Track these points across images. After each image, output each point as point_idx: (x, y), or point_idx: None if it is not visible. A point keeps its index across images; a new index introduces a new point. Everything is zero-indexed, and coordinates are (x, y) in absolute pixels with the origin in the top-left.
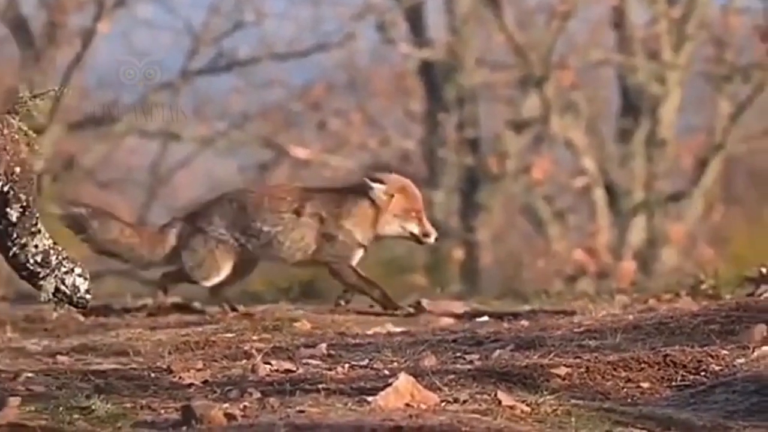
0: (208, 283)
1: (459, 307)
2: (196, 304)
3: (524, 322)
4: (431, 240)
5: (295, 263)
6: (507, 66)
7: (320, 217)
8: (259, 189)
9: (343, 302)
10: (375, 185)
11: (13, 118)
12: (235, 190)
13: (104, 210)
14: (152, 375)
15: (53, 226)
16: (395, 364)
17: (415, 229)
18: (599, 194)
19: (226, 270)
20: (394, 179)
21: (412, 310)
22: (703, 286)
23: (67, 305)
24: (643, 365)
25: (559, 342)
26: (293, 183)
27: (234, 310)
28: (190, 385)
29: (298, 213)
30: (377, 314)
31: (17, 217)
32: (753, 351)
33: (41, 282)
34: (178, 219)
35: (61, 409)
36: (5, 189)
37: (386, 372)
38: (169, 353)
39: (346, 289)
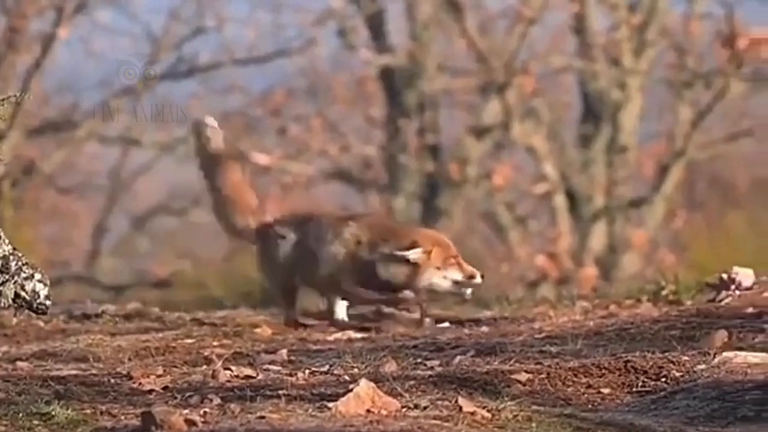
0: None
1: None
2: (155, 310)
3: (485, 328)
4: (478, 280)
5: None
6: (468, 72)
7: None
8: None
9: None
10: (412, 253)
11: None
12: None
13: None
14: (112, 381)
15: (12, 231)
16: (356, 370)
17: (458, 276)
18: (560, 200)
19: None
20: (425, 235)
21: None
22: (664, 292)
23: (27, 311)
24: (604, 371)
25: (520, 348)
26: None
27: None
28: (151, 391)
29: None
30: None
31: None
32: (713, 357)
33: (0, 288)
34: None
35: (20, 415)
36: None
37: (347, 378)
38: (130, 359)
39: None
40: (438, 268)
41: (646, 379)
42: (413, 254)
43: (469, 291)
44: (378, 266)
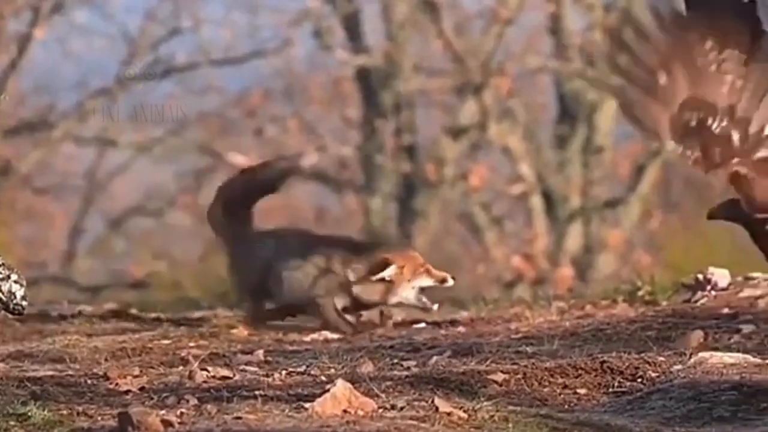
0: None
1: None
2: (132, 311)
3: (461, 329)
4: (450, 282)
5: None
6: (444, 72)
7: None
8: None
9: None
10: (387, 271)
11: None
12: None
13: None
14: (89, 382)
15: None
16: (332, 370)
17: (429, 282)
18: (536, 201)
19: None
20: (395, 253)
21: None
22: (640, 293)
23: (3, 312)
24: (580, 371)
25: (497, 348)
26: None
27: None
28: (127, 391)
29: None
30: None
31: None
32: (689, 357)
33: None
34: None
35: None
36: None
37: (323, 378)
38: (106, 360)
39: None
40: (409, 281)
41: (622, 380)
42: (389, 272)
43: (435, 306)
44: (352, 289)
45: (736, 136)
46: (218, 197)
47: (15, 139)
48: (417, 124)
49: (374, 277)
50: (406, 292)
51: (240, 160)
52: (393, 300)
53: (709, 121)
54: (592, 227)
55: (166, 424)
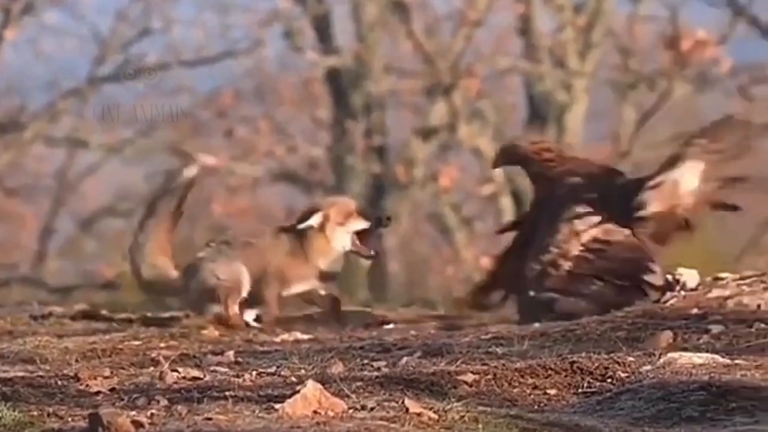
0: None
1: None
2: (104, 312)
3: (431, 330)
4: (386, 224)
5: None
6: (414, 73)
7: None
8: None
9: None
10: (313, 219)
11: None
12: None
13: None
14: (59, 383)
15: None
16: (303, 371)
17: (364, 225)
18: (506, 202)
19: None
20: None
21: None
22: None
23: None
24: (550, 372)
25: (467, 349)
26: None
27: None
28: (98, 392)
29: None
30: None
31: None
32: (659, 358)
33: None
34: None
35: None
36: None
37: (294, 379)
38: (77, 361)
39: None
40: (343, 226)
41: (591, 380)
42: (315, 220)
43: (373, 252)
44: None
45: None
46: None
47: None
48: (387, 124)
49: (300, 225)
50: (342, 238)
51: (210, 160)
52: (335, 251)
53: None
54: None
55: (137, 424)
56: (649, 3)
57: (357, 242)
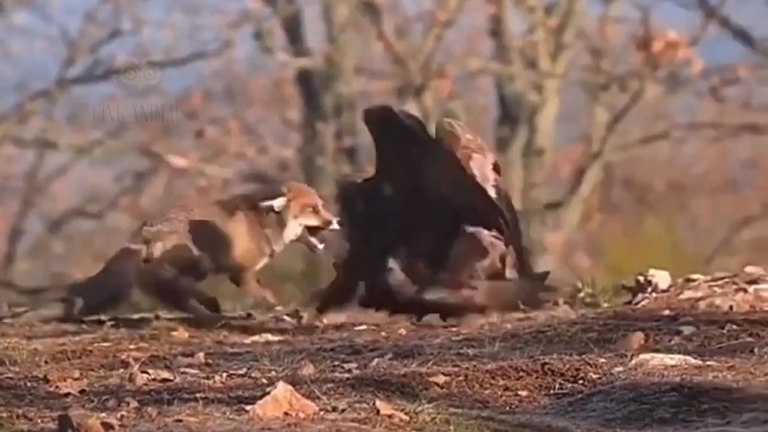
0: None
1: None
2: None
3: (402, 331)
4: (335, 227)
5: None
6: (385, 74)
7: None
8: None
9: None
10: (277, 201)
11: None
12: None
13: None
14: (29, 384)
15: None
16: (273, 372)
17: (313, 221)
18: None
19: None
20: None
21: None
22: (581, 295)
23: None
24: (521, 373)
25: (438, 350)
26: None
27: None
28: (67, 394)
29: None
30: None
31: None
32: (630, 359)
33: None
34: None
35: None
36: None
37: (264, 381)
38: (46, 362)
39: None
40: (296, 218)
41: (563, 382)
42: (278, 202)
43: (321, 246)
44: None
45: None
46: None
47: None
48: (358, 126)
49: (263, 204)
50: (293, 227)
51: (180, 161)
52: (285, 237)
53: None
54: (533, 230)
55: (107, 426)
56: (621, 4)
57: (307, 234)
